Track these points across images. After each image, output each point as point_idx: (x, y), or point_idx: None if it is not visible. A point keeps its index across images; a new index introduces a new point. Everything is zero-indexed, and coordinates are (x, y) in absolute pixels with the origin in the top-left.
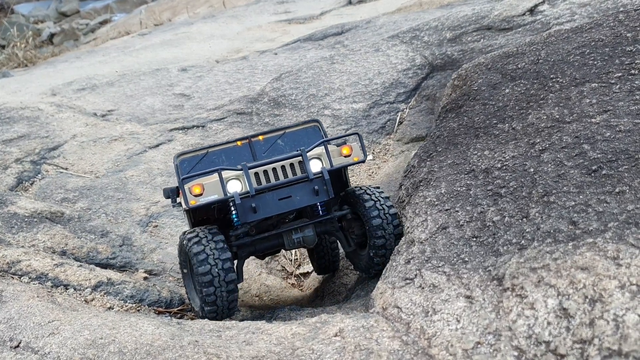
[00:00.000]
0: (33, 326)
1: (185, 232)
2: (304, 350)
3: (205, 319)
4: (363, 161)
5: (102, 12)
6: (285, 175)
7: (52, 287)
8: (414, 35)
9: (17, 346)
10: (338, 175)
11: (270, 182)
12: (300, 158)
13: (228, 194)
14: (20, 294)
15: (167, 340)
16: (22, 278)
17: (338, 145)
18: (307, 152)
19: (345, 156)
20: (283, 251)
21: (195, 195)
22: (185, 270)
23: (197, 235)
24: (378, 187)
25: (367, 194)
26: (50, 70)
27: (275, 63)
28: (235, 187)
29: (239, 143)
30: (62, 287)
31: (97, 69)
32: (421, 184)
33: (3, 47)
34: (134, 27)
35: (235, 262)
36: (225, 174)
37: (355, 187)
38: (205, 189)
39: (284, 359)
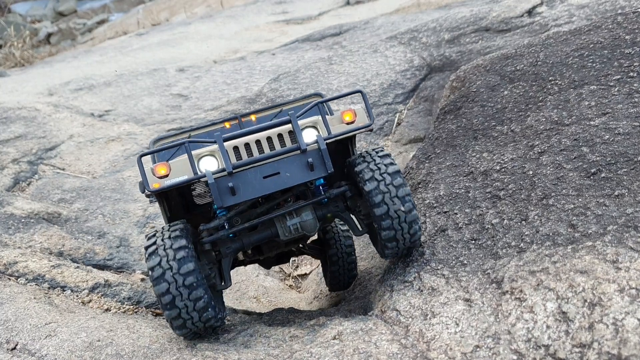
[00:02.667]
0: (30, 328)
1: (147, 234)
2: (303, 354)
3: None
4: (369, 127)
5: (100, 12)
6: (272, 148)
7: (49, 288)
8: (412, 37)
9: (14, 348)
10: (343, 147)
11: (253, 156)
12: (290, 126)
13: (199, 173)
14: (17, 296)
15: (164, 343)
16: (19, 279)
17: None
18: (299, 117)
19: (348, 123)
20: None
21: (160, 177)
22: None
23: (154, 243)
24: (382, 150)
25: (365, 160)
26: (47, 70)
27: (273, 64)
28: (210, 164)
29: (227, 124)
30: (59, 288)
31: (94, 69)
32: (420, 185)
33: (0, 46)
34: (132, 27)
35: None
36: (200, 150)
37: (356, 155)
38: (173, 169)
39: None
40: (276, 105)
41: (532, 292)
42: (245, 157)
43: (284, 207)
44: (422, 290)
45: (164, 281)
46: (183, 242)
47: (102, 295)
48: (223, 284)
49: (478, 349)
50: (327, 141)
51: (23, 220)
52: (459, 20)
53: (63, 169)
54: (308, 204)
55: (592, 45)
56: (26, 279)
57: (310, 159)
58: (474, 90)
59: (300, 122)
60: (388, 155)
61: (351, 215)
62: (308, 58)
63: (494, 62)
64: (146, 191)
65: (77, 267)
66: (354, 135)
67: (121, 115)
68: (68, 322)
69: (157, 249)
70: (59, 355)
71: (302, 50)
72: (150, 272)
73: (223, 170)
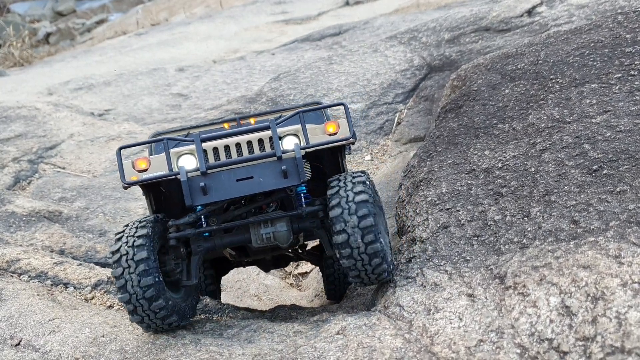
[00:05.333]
0: (34, 324)
1: (116, 233)
2: (307, 348)
3: (206, 317)
4: (348, 140)
5: (99, 12)
6: (252, 152)
7: (51, 285)
8: (412, 36)
9: (18, 344)
10: (333, 161)
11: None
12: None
13: (174, 170)
14: (20, 292)
15: (168, 338)
16: (21, 276)
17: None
18: (279, 124)
19: (330, 134)
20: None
21: (139, 171)
22: None
23: (122, 231)
24: (360, 175)
25: (339, 185)
26: (46, 69)
27: (273, 63)
28: (188, 163)
29: (226, 125)
30: (61, 285)
31: (93, 69)
32: (421, 183)
33: None
34: (131, 26)
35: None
36: (180, 148)
37: (334, 177)
38: (152, 164)
39: (286, 356)
40: (276, 110)
41: (535, 287)
42: (223, 158)
43: (261, 215)
44: (425, 286)
45: (119, 266)
46: (145, 240)
47: (105, 292)
48: (187, 279)
49: (482, 343)
50: (304, 150)
51: (24, 218)
52: (458, 20)
53: (63, 168)
54: (285, 215)
55: (592, 44)
56: (29, 276)
57: (284, 167)
58: (475, 89)
59: (282, 130)
60: (362, 183)
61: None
62: (308, 58)
63: (495, 61)
64: (123, 183)
65: (80, 264)
66: (342, 149)
67: (121, 115)
68: (72, 318)
69: (122, 236)
70: (63, 351)
71: (302, 50)
72: (111, 256)
73: (198, 169)
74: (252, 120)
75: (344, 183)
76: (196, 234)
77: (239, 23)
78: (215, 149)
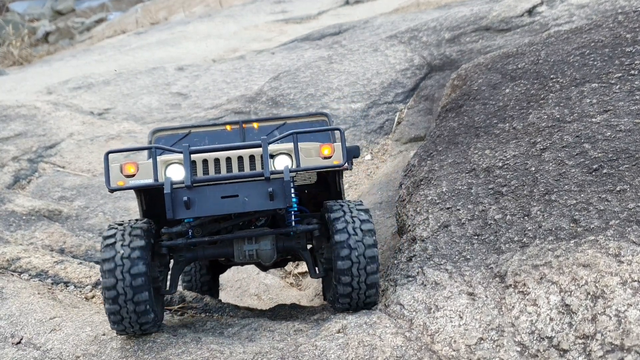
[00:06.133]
0: (34, 323)
1: (109, 225)
2: (307, 347)
3: (206, 316)
4: (343, 166)
5: (98, 11)
6: (242, 169)
7: (52, 284)
8: (413, 36)
9: (19, 342)
10: (328, 184)
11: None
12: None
13: (160, 180)
14: (21, 291)
15: (169, 337)
16: (22, 275)
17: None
18: (271, 143)
19: (324, 157)
20: None
21: (127, 176)
22: None
23: (113, 235)
24: (361, 204)
25: (345, 220)
26: (45, 68)
27: (272, 62)
28: (176, 173)
29: (228, 127)
30: (62, 284)
31: (93, 68)
32: (422, 182)
33: None
34: (130, 25)
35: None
36: (170, 156)
37: (335, 202)
38: (140, 170)
39: (287, 355)
40: (281, 117)
41: (535, 285)
42: (212, 172)
43: (247, 230)
44: (425, 285)
45: (113, 277)
46: (142, 242)
47: None
48: (168, 289)
49: (482, 341)
50: (292, 173)
51: (24, 217)
52: (459, 20)
53: (63, 167)
54: (270, 233)
55: (593, 43)
56: (29, 275)
57: (271, 188)
58: (476, 88)
59: (275, 148)
60: (366, 211)
61: (311, 254)
62: (308, 57)
63: (495, 60)
64: (108, 188)
65: (80, 263)
66: (338, 172)
67: (120, 114)
68: (72, 316)
69: (115, 243)
70: (64, 349)
71: (302, 50)
72: (102, 264)
73: (184, 182)
74: (255, 125)
75: (349, 209)
76: (187, 244)
77: (238, 22)
78: (205, 162)
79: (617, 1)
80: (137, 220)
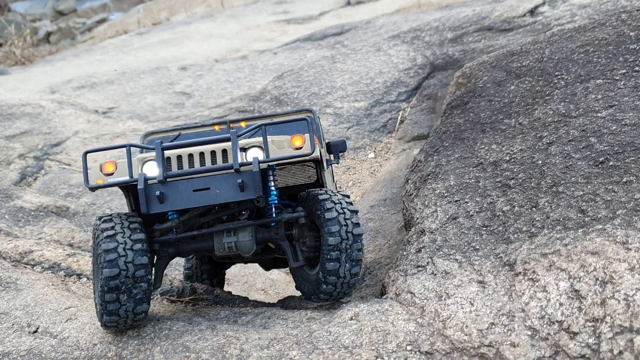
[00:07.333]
0: (50, 313)
1: (101, 217)
2: (321, 333)
3: (220, 306)
4: (307, 156)
5: (99, 11)
6: (215, 163)
7: (65, 276)
8: (415, 35)
9: (36, 331)
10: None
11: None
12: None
13: (134, 177)
14: (35, 282)
15: (185, 325)
16: (34, 268)
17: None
18: (240, 136)
19: (296, 148)
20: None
21: (107, 174)
22: (93, 269)
23: (112, 227)
24: (347, 196)
25: (332, 200)
26: (48, 68)
27: (275, 62)
28: (151, 170)
29: (216, 127)
30: (75, 276)
31: (95, 67)
32: (429, 177)
33: (0, 45)
34: (132, 26)
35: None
36: (146, 154)
37: (318, 190)
38: (118, 168)
39: (302, 340)
40: (267, 115)
41: (544, 272)
42: (186, 167)
43: (226, 223)
44: (435, 274)
45: (116, 267)
46: (142, 235)
47: None
48: (155, 283)
49: (493, 326)
50: (262, 164)
51: (32, 213)
52: (461, 20)
53: (69, 165)
54: (248, 224)
55: (597, 41)
56: (42, 267)
57: (241, 180)
58: (481, 85)
59: (246, 141)
60: (348, 196)
61: (292, 244)
62: (310, 57)
63: (500, 58)
64: (87, 187)
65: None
66: (318, 162)
67: (125, 113)
68: (87, 306)
69: (115, 234)
70: (80, 337)
71: (304, 50)
72: (103, 254)
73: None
74: (242, 124)
75: (334, 194)
76: (178, 239)
77: (240, 22)
78: (179, 157)
79: (619, 1)
80: (126, 214)
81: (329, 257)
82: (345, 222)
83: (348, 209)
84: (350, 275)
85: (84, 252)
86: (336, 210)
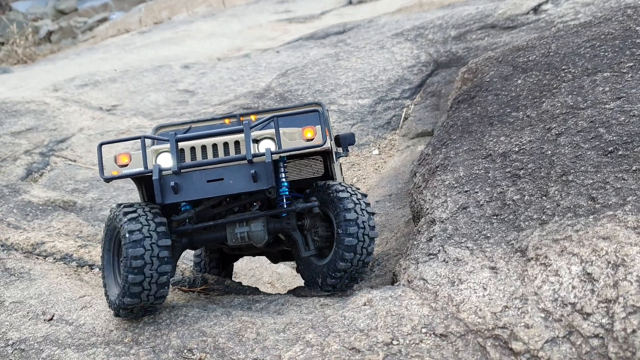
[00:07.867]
0: (64, 301)
1: (120, 204)
2: (336, 317)
3: (233, 294)
4: (319, 147)
5: (100, 10)
6: (227, 154)
7: (77, 266)
8: (419, 33)
9: (51, 319)
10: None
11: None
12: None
13: (149, 168)
14: (48, 272)
15: (200, 311)
16: (46, 259)
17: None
18: (252, 128)
19: (307, 139)
20: None
21: (121, 166)
22: (105, 257)
23: (135, 211)
24: (365, 195)
25: (352, 200)
26: (50, 66)
27: (278, 60)
28: (165, 161)
29: (226, 121)
30: (87, 266)
31: (98, 66)
32: (438, 169)
33: (2, 43)
34: (133, 25)
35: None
36: (160, 146)
37: (336, 184)
38: (133, 160)
39: (317, 325)
40: (276, 109)
41: (556, 257)
42: (200, 158)
43: (238, 214)
44: (447, 262)
45: (141, 247)
46: (163, 219)
47: None
48: (171, 272)
49: (507, 309)
50: (274, 155)
51: (40, 207)
52: (465, 18)
53: (74, 161)
54: (261, 215)
55: (603, 36)
56: (54, 258)
57: (254, 170)
58: (487, 80)
59: (259, 133)
60: (365, 195)
61: (303, 234)
62: (313, 55)
63: (506, 53)
64: (102, 178)
65: None
66: (327, 154)
67: (128, 110)
68: (102, 295)
69: (139, 217)
70: (96, 324)
71: (307, 48)
72: (128, 235)
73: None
74: (252, 117)
75: (346, 184)
76: (194, 229)
77: (241, 22)
78: (193, 149)
79: None
80: (144, 202)
81: (348, 231)
82: (363, 224)
83: (367, 211)
84: (366, 253)
85: (95, 244)
86: (355, 212)
